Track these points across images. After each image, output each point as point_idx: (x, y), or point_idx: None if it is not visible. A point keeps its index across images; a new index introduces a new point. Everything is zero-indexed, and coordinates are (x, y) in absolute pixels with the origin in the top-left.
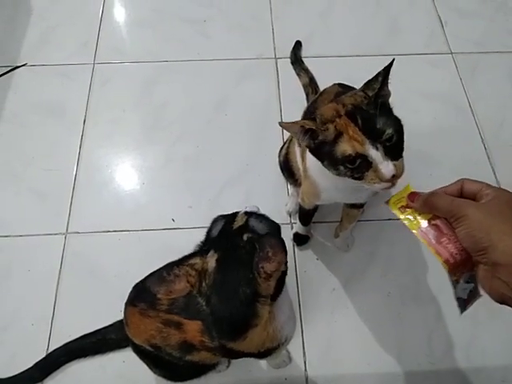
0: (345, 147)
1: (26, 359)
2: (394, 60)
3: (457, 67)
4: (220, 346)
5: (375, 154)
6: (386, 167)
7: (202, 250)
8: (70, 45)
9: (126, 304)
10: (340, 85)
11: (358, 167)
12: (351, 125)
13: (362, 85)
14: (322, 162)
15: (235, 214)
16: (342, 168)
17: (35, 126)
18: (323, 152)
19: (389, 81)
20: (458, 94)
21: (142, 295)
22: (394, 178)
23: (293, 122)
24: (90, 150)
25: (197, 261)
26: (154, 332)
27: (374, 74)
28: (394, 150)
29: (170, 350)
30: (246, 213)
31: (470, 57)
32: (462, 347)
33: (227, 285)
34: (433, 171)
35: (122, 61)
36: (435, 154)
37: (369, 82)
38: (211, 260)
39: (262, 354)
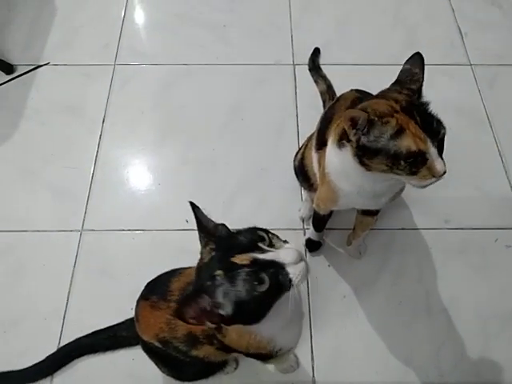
0: (409, 143)
1: (37, 353)
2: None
3: (475, 79)
4: (215, 337)
5: (433, 151)
6: (440, 164)
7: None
8: (92, 46)
9: (138, 299)
10: (357, 91)
11: (415, 163)
12: (412, 121)
13: (390, 85)
14: (371, 158)
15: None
16: (402, 163)
17: (55, 124)
18: (377, 147)
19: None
20: (475, 106)
21: (154, 289)
22: (443, 174)
23: (358, 109)
24: (108, 150)
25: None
26: (162, 325)
27: (401, 72)
28: (442, 148)
29: (177, 343)
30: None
31: (490, 69)
32: (472, 361)
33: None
34: (449, 183)
35: (142, 63)
36: (451, 165)
37: (400, 81)
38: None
39: (254, 356)
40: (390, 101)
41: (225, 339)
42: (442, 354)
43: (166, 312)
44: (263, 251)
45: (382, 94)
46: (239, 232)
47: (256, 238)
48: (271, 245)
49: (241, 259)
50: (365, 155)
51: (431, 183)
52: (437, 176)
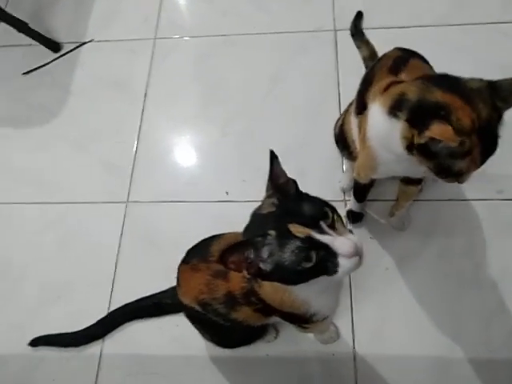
0: (463, 166)
1: (89, 317)
2: None
3: None
4: (252, 291)
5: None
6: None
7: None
8: (132, 20)
9: (179, 264)
10: (400, 49)
11: (455, 176)
12: (478, 147)
13: (481, 81)
14: (421, 155)
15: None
16: (445, 175)
17: (100, 100)
18: (434, 154)
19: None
20: None
21: (195, 252)
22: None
23: (442, 124)
24: (151, 124)
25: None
26: (202, 286)
27: (504, 81)
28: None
29: (217, 305)
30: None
31: None
32: None
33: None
34: (502, 153)
35: (182, 35)
36: (505, 135)
37: (496, 88)
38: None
39: (290, 318)
40: (474, 112)
41: (260, 290)
42: (491, 329)
43: (206, 273)
44: (322, 231)
45: (473, 98)
46: (307, 197)
47: (320, 213)
48: (333, 226)
49: (297, 230)
50: (417, 150)
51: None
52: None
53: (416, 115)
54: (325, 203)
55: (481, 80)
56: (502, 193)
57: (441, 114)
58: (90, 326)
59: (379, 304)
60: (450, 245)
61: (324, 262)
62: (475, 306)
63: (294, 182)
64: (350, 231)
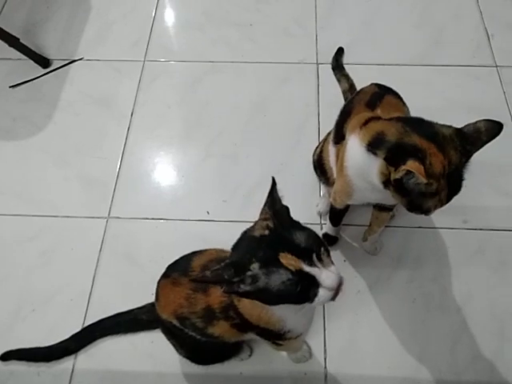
0: (431, 204)
1: (63, 331)
2: (501, 128)
3: (501, 81)
4: (231, 305)
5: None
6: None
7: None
8: (123, 42)
9: (159, 280)
10: (377, 85)
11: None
12: (446, 189)
13: (449, 129)
14: (395, 191)
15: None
16: (415, 211)
17: (87, 116)
18: (407, 191)
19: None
20: (500, 108)
21: (175, 267)
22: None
23: (415, 163)
24: (136, 142)
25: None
26: (182, 300)
27: (471, 126)
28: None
29: (195, 319)
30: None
31: None
32: (486, 361)
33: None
34: (468, 184)
35: (171, 59)
36: (472, 167)
37: (465, 134)
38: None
39: (265, 334)
40: (446, 159)
41: (239, 304)
42: (456, 351)
43: (187, 287)
44: (311, 264)
45: (443, 139)
46: (300, 227)
47: (313, 247)
48: (319, 258)
49: (288, 262)
50: (393, 186)
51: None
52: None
53: (394, 155)
54: (317, 237)
55: (449, 127)
56: (467, 222)
57: (417, 155)
58: (64, 341)
59: (351, 325)
60: (419, 270)
61: (306, 291)
62: (441, 329)
63: (287, 208)
64: (332, 262)
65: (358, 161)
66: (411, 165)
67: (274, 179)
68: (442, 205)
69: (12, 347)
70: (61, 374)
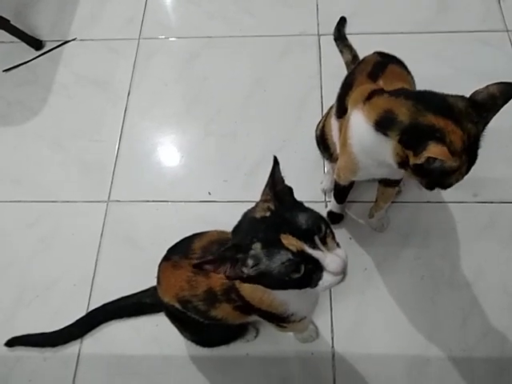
0: (452, 181)
1: (67, 317)
2: None
3: None
4: (233, 288)
5: None
6: None
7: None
8: (117, 20)
9: (160, 263)
10: (380, 53)
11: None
12: (466, 163)
13: (463, 99)
14: (415, 172)
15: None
16: (434, 188)
17: (82, 99)
18: (427, 172)
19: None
20: None
21: (176, 249)
22: None
23: (441, 148)
24: (133, 123)
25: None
26: (183, 283)
27: (483, 93)
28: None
29: (197, 301)
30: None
31: None
32: (496, 337)
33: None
34: (479, 156)
35: (167, 36)
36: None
37: (479, 103)
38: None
39: (269, 317)
40: (465, 133)
41: (241, 287)
42: (466, 328)
43: (188, 270)
44: (314, 246)
45: (458, 114)
46: (303, 208)
47: (315, 228)
48: (324, 241)
49: (289, 243)
50: (410, 169)
51: None
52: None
53: (410, 137)
54: (320, 217)
55: (462, 97)
56: (477, 196)
57: (436, 136)
58: (68, 326)
59: (358, 304)
60: (427, 246)
61: (309, 275)
62: (450, 306)
63: (290, 189)
64: (338, 245)
65: (365, 139)
66: (434, 150)
67: (275, 158)
68: (462, 178)
69: (17, 333)
70: (67, 358)
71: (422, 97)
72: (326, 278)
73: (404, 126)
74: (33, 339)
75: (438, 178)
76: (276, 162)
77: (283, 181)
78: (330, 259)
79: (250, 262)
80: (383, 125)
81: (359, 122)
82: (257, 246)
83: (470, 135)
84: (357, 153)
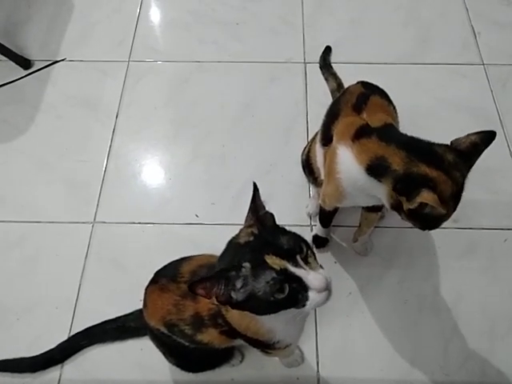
0: (441, 223)
1: (49, 340)
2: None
3: (488, 79)
4: (220, 314)
5: None
6: None
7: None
8: (107, 42)
9: (147, 286)
10: (363, 83)
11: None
12: (453, 206)
13: (450, 152)
14: (416, 220)
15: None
16: (426, 228)
17: (70, 119)
18: (422, 217)
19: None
20: (487, 106)
21: (164, 272)
22: None
23: (432, 195)
24: (121, 144)
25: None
26: (170, 307)
27: (467, 143)
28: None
29: (183, 326)
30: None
31: (503, 69)
32: (478, 361)
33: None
34: None
35: (156, 59)
36: None
37: (464, 153)
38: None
39: (255, 344)
40: (454, 183)
41: (227, 314)
42: (448, 352)
43: (175, 293)
44: (297, 264)
45: (448, 166)
46: (284, 231)
47: (296, 247)
48: (306, 261)
49: (273, 262)
50: (404, 213)
51: None
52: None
53: (404, 185)
54: (301, 238)
55: (450, 149)
56: (457, 222)
57: (429, 184)
58: (49, 351)
59: (342, 328)
60: (410, 270)
61: (295, 295)
62: (433, 330)
63: (272, 215)
64: (321, 266)
65: (356, 178)
66: (427, 197)
67: (255, 185)
68: (449, 218)
69: None
70: None
71: (413, 146)
72: (312, 297)
73: (398, 175)
74: (12, 364)
75: (430, 221)
76: (256, 188)
77: (264, 207)
78: (312, 276)
79: (239, 283)
80: (376, 171)
81: (349, 162)
82: (246, 265)
83: (458, 184)
84: (346, 187)
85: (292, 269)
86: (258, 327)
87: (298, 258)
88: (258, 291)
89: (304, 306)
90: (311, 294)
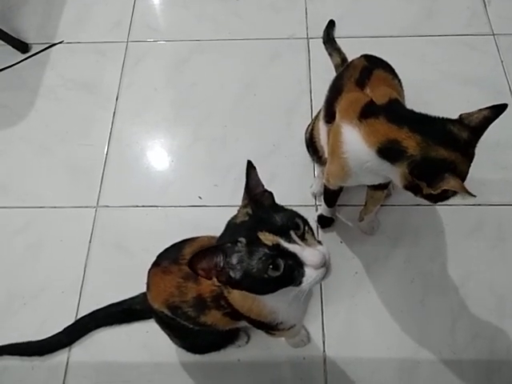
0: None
1: (55, 325)
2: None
3: (498, 49)
4: (222, 296)
5: None
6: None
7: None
8: (105, 23)
9: (150, 268)
10: (366, 56)
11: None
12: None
13: (460, 117)
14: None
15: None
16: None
17: (70, 102)
18: (440, 197)
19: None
20: (497, 79)
21: (166, 255)
22: None
23: (456, 182)
24: (122, 127)
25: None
26: (173, 289)
27: (480, 117)
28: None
29: (186, 308)
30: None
31: None
32: (485, 339)
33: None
34: None
35: (155, 39)
36: None
37: (476, 129)
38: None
39: (258, 325)
40: (469, 160)
41: (229, 296)
42: (455, 331)
43: (178, 276)
44: (291, 240)
45: (464, 144)
46: (280, 208)
47: (291, 224)
48: (303, 237)
49: (265, 238)
50: (421, 195)
51: None
52: None
53: (423, 170)
54: (297, 214)
55: (463, 127)
56: (465, 199)
57: (450, 167)
58: (56, 334)
59: (349, 308)
60: (417, 248)
61: (291, 272)
62: (440, 309)
63: (271, 193)
64: (320, 242)
65: (365, 159)
66: (454, 184)
67: (249, 163)
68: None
69: (4, 342)
70: (55, 367)
71: (427, 128)
72: (309, 273)
73: (415, 160)
74: (20, 348)
75: (447, 199)
76: (249, 166)
77: (262, 185)
78: (307, 252)
79: (235, 259)
80: (389, 155)
81: (357, 143)
82: (242, 240)
83: (472, 159)
84: (352, 167)
85: (285, 244)
86: (260, 308)
87: (293, 234)
88: (251, 268)
89: (301, 283)
90: (307, 271)
